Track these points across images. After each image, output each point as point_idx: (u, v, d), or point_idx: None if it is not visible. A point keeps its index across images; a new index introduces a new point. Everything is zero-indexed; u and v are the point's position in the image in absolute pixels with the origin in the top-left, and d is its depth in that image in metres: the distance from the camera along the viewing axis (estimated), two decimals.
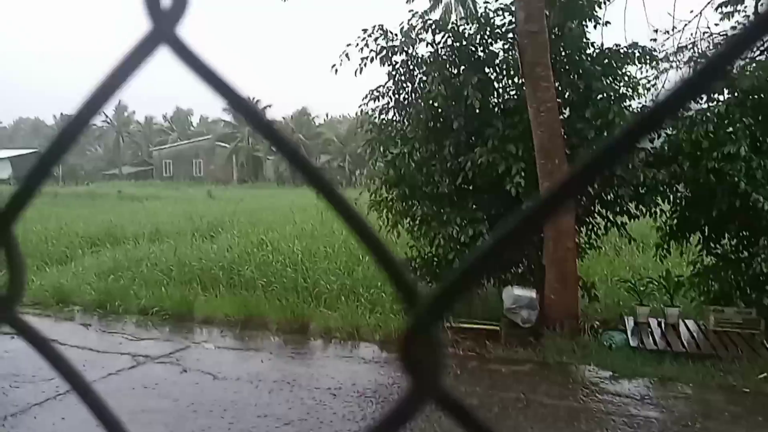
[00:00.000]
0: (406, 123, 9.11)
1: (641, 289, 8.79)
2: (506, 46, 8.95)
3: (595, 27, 8.83)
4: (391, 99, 9.15)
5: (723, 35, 9.11)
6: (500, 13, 8.93)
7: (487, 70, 8.94)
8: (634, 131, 0.31)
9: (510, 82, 9.13)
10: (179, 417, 5.85)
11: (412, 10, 9.01)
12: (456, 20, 9.91)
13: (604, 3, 8.79)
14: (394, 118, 9.29)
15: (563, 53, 8.69)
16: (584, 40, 8.78)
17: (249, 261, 11.16)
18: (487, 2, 9.25)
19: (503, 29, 8.90)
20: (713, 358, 7.17)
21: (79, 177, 53.24)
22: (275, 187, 45.99)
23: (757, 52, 8.99)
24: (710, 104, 8.39)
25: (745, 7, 8.55)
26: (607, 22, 8.90)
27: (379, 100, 9.15)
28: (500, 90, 9.18)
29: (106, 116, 61.32)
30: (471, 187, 8.64)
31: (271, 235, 13.59)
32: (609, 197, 8.59)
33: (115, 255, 12.48)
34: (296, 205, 21.82)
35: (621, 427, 5.69)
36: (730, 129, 7.73)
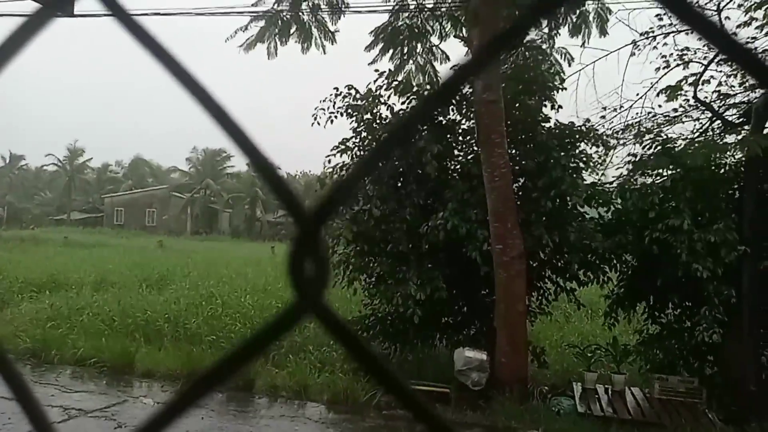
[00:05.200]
0: (367, 181, 9.21)
1: (589, 355, 8.89)
2: (465, 113, 9.28)
3: (552, 107, 9.22)
4: (354, 157, 9.31)
5: (665, 115, 9.67)
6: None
7: (447, 136, 9.21)
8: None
9: (469, 148, 9.42)
10: None
11: (378, 70, 9.40)
12: (417, 85, 10.32)
13: (560, 88, 9.28)
14: None
15: (520, 125, 9.01)
16: (541, 114, 9.14)
17: (197, 314, 10.81)
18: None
19: (463, 97, 9.23)
20: (657, 426, 7.24)
21: (25, 221, 51.22)
22: (229, 239, 45.19)
23: (697, 134, 9.58)
24: (656, 178, 8.81)
25: (686, 92, 9.18)
26: (560, 106, 9.29)
27: (345, 154, 9.29)
28: (459, 156, 9.45)
29: (58, 160, 59.67)
30: (428, 246, 8.69)
31: (222, 288, 13.26)
32: (559, 263, 8.78)
33: (54, 302, 11.89)
34: (250, 259, 21.49)
35: None
36: (674, 203, 8.10)
